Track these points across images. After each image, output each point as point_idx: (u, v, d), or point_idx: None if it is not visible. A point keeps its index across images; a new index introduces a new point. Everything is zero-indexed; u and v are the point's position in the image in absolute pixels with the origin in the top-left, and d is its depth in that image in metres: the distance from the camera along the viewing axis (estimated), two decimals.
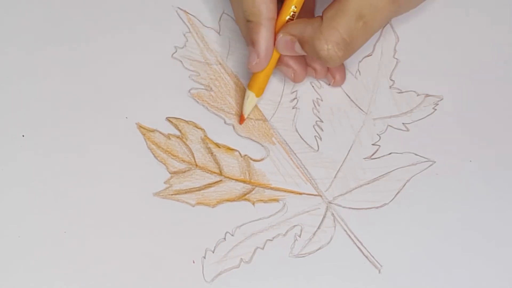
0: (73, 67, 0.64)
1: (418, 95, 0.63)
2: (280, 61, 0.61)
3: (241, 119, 0.62)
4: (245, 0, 0.58)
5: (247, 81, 0.63)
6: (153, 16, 0.65)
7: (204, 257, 0.59)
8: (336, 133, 0.62)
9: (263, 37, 0.59)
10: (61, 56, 0.64)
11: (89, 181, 0.61)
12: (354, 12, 0.57)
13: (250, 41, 0.60)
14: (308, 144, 0.62)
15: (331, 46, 0.57)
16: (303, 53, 0.59)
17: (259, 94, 0.62)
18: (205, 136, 0.62)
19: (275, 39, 0.59)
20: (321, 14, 0.58)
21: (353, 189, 0.61)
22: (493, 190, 0.61)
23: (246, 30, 0.60)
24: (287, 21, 0.59)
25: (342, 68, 0.63)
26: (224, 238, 0.59)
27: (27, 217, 0.60)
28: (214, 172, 0.61)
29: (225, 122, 0.62)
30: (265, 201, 0.61)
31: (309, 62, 0.62)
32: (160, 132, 0.62)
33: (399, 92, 0.64)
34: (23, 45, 0.64)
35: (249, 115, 0.62)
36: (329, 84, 0.63)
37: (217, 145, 0.62)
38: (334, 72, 0.63)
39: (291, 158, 0.62)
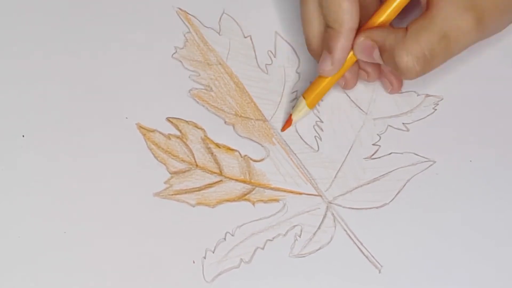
0: (73, 68, 0.64)
1: (418, 95, 0.63)
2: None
3: (286, 125, 0.62)
4: (331, 7, 0.58)
5: (247, 81, 0.63)
6: (153, 16, 0.65)
7: (204, 257, 0.59)
8: (336, 133, 0.62)
9: (341, 46, 0.59)
10: (61, 56, 0.64)
11: (89, 181, 0.61)
12: (439, 31, 0.56)
13: (327, 47, 0.59)
14: (308, 144, 0.62)
15: (411, 58, 0.57)
16: (380, 61, 0.59)
17: (312, 105, 0.61)
18: (205, 136, 0.62)
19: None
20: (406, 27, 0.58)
21: (353, 189, 0.61)
22: (493, 190, 0.61)
23: (326, 35, 0.59)
24: (375, 26, 0.59)
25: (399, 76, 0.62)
26: (224, 238, 0.59)
27: (27, 217, 0.60)
28: (214, 172, 0.61)
29: (225, 122, 0.62)
30: (265, 201, 0.61)
31: (363, 65, 0.62)
32: (160, 132, 0.62)
33: (399, 92, 0.63)
34: (23, 45, 0.64)
35: (249, 115, 0.63)
36: (388, 91, 0.63)
37: (217, 145, 0.62)
38: (391, 78, 0.62)
39: (291, 158, 0.62)
